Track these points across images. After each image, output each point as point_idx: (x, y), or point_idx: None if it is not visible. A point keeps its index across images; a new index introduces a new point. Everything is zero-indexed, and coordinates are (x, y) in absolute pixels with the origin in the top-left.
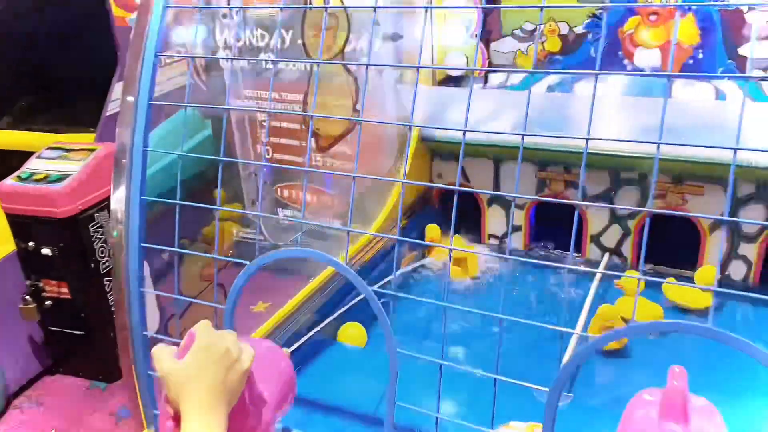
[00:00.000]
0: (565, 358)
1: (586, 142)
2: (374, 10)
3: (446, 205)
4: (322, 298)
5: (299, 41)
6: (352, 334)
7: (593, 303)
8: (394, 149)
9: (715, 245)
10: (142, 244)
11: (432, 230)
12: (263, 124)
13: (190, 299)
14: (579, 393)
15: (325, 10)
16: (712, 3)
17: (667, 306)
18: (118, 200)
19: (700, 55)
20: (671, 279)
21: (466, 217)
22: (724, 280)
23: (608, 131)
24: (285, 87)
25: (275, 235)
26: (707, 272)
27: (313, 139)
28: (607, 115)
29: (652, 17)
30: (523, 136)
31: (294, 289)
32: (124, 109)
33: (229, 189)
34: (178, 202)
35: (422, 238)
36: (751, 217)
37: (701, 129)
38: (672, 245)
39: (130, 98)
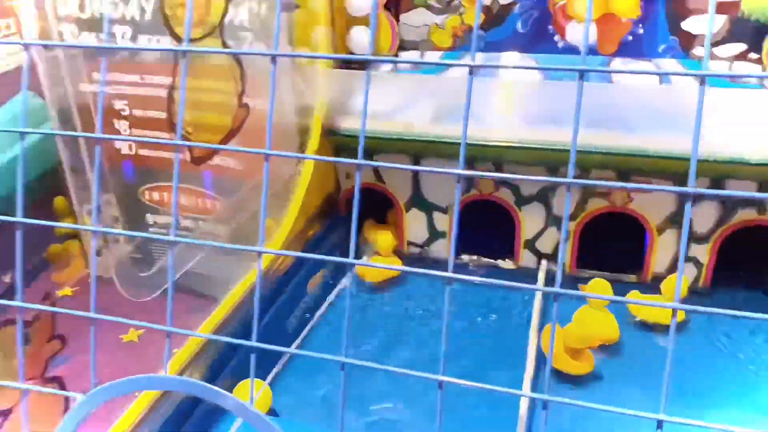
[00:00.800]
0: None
1: None
2: None
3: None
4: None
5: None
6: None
7: (540, 322)
8: (294, 146)
9: (664, 246)
10: None
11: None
12: (122, 113)
13: None
14: None
15: None
16: None
17: (629, 321)
18: None
19: (641, 30)
20: (635, 292)
21: (382, 223)
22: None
23: (541, 121)
24: (148, 68)
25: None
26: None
27: (184, 150)
28: (537, 101)
29: None
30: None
31: (187, 315)
32: None
33: None
34: (20, 219)
35: (332, 252)
36: (704, 216)
37: (648, 116)
38: (615, 248)
39: None
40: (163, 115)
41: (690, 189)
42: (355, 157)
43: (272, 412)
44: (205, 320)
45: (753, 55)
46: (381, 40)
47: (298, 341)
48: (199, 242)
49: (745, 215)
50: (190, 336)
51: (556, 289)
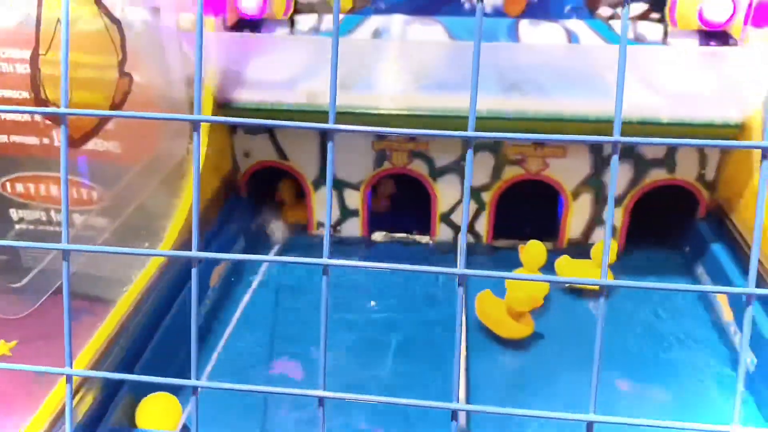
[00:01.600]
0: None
1: None
2: None
3: (258, 193)
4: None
5: None
6: (159, 412)
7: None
8: (185, 123)
9: (578, 211)
10: None
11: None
12: None
13: None
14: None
15: None
16: None
17: (556, 287)
18: None
19: None
20: (566, 257)
21: (288, 203)
22: (587, 249)
23: (453, 86)
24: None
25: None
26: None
27: (56, 132)
28: (447, 64)
29: None
30: None
31: (75, 322)
32: None
33: None
34: None
35: (235, 239)
36: (618, 178)
37: (558, 78)
38: (532, 216)
39: None
40: (26, 95)
41: (614, 138)
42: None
43: (185, 429)
44: (99, 327)
45: (655, 15)
46: (275, 2)
47: (219, 345)
48: (98, 250)
49: (656, 175)
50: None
51: (463, 270)
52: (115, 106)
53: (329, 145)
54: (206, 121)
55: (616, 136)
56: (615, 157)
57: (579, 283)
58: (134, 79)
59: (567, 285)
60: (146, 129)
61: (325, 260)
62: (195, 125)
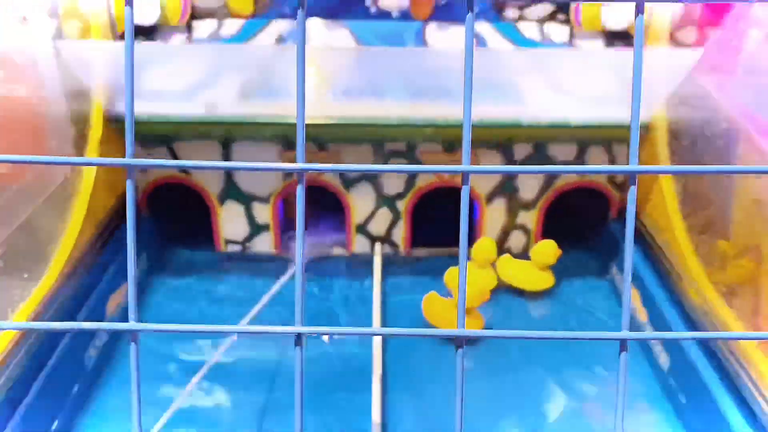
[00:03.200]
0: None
1: None
2: None
3: (160, 210)
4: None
5: None
6: None
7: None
8: (69, 136)
9: (493, 216)
10: None
11: None
12: None
13: None
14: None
15: None
16: None
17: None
18: None
19: None
20: (507, 256)
21: (191, 222)
22: (504, 253)
23: (361, 92)
24: None
25: None
26: (546, 247)
27: None
28: (354, 70)
29: None
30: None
31: None
32: None
33: None
34: None
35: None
36: (530, 182)
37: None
38: (446, 223)
39: None
40: None
41: (634, 167)
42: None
43: None
44: None
45: (561, 16)
46: (168, 8)
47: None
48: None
49: (568, 178)
50: None
51: None
52: None
53: (299, 188)
54: (141, 166)
55: (633, 165)
56: (633, 188)
57: (594, 338)
58: (2, 93)
59: (507, 286)
60: (25, 144)
61: (298, 328)
62: (128, 171)
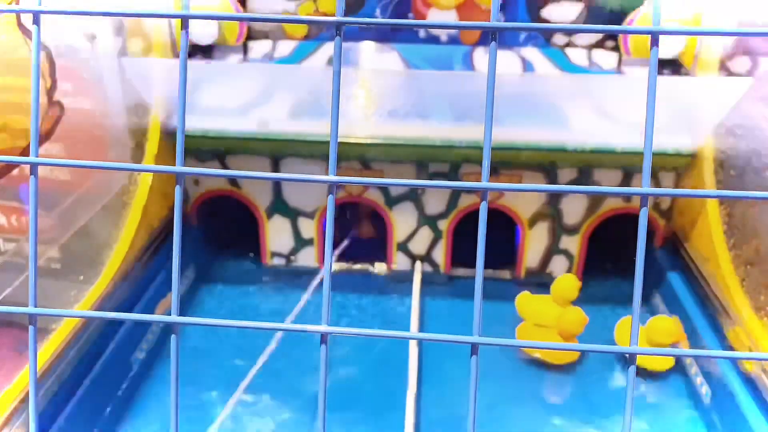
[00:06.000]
0: None
1: None
2: None
3: (210, 220)
4: None
5: None
6: None
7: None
8: (127, 148)
9: (535, 240)
10: None
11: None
12: None
13: None
14: None
15: None
16: None
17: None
18: None
19: (502, 18)
20: (526, 293)
21: (240, 233)
22: (546, 278)
23: (406, 114)
24: None
25: None
26: (567, 282)
27: None
28: (401, 92)
29: None
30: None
31: (15, 353)
32: None
33: None
34: None
35: (184, 268)
36: (573, 207)
37: (513, 106)
38: (487, 244)
39: None
40: None
41: (646, 189)
42: (202, 160)
43: None
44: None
45: (609, 43)
46: (226, 29)
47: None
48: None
49: (613, 204)
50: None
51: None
52: (46, 133)
53: (329, 198)
54: (189, 173)
55: (645, 188)
56: (644, 210)
57: (607, 351)
58: (69, 106)
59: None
60: (87, 155)
61: (324, 327)
62: (178, 178)
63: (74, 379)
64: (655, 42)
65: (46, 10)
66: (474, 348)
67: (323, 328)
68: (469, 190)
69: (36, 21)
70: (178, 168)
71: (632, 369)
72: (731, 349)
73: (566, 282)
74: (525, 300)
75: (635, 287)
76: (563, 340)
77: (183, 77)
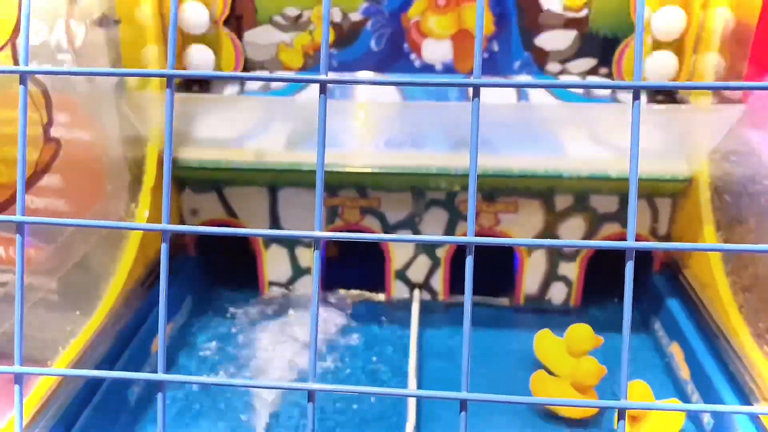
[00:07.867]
0: None
1: None
2: None
3: (207, 251)
4: None
5: None
6: None
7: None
8: (125, 180)
9: (533, 266)
10: None
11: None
12: None
13: None
14: None
15: None
16: None
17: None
18: None
19: (496, 47)
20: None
21: (238, 263)
22: (544, 305)
23: (402, 143)
24: None
25: None
26: (581, 331)
27: None
28: (396, 122)
29: (441, 1)
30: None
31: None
32: None
33: None
34: None
35: (182, 298)
36: (571, 232)
37: (508, 134)
38: (486, 271)
39: None
40: None
41: (630, 244)
42: (201, 191)
43: None
44: (33, 389)
45: (603, 70)
46: (223, 59)
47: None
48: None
49: (610, 229)
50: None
51: None
52: (42, 168)
53: (315, 253)
54: (175, 231)
55: (630, 242)
56: (630, 263)
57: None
58: (61, 141)
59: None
60: (84, 187)
61: (311, 385)
62: (163, 235)
63: (71, 414)
64: (636, 96)
65: (33, 70)
66: (463, 404)
67: (310, 385)
68: (455, 243)
69: (23, 81)
70: (164, 226)
71: (621, 424)
72: (734, 377)
73: (580, 332)
74: (542, 342)
75: (623, 343)
76: (578, 391)
77: (169, 133)
